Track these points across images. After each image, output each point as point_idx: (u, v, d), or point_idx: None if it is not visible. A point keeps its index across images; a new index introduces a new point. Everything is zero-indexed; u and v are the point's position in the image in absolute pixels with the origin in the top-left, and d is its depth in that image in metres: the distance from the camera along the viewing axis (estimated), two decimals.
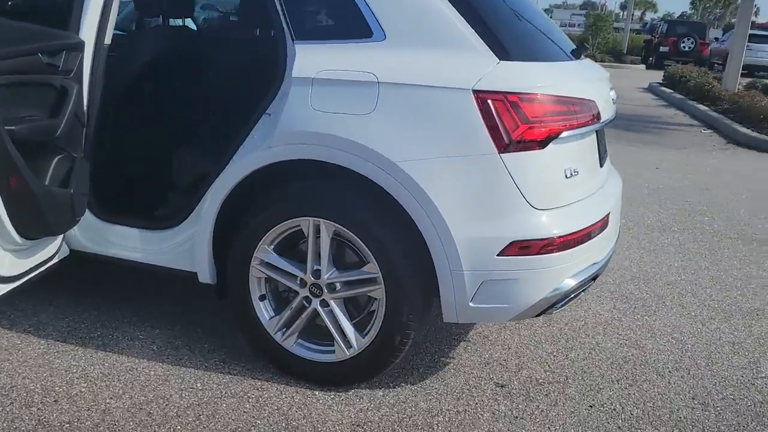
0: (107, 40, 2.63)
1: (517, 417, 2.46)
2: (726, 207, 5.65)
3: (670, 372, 2.85)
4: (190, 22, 4.13)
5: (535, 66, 2.44)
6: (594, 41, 25.15)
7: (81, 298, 3.15)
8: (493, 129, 2.23)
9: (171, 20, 3.78)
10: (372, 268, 2.37)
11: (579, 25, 43.42)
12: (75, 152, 2.56)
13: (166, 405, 2.41)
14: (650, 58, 25.02)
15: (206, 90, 3.39)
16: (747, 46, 12.73)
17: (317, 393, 2.52)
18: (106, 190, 2.84)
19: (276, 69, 2.45)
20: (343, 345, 2.48)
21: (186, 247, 2.64)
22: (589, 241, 2.44)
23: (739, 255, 4.44)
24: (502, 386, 2.65)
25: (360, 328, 2.49)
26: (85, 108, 2.57)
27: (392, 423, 2.38)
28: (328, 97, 2.34)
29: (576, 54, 2.81)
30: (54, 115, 2.42)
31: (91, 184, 2.68)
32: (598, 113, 2.53)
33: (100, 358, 2.69)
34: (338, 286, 2.47)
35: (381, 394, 2.54)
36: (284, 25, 2.44)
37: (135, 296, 3.23)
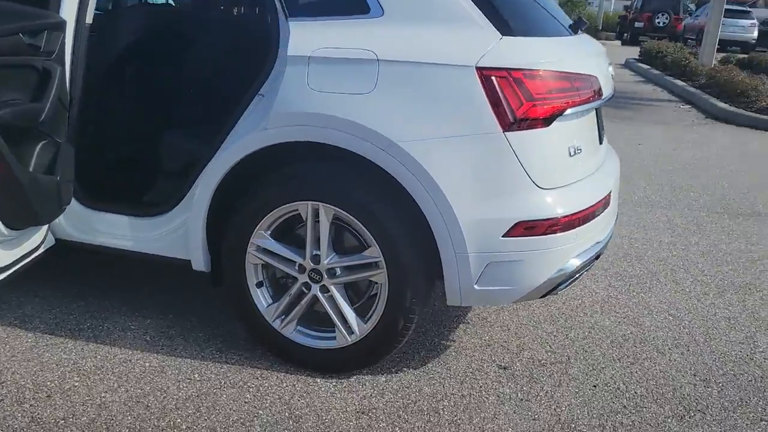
0: (89, 19, 2.52)
1: (522, 399, 2.43)
2: (710, 182, 5.69)
3: (669, 349, 2.85)
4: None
5: (538, 41, 2.38)
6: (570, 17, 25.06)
7: (66, 288, 3.04)
8: (497, 107, 2.16)
9: None
10: (374, 252, 2.31)
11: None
12: (59, 137, 2.45)
13: (164, 397, 2.34)
14: (625, 34, 25.08)
15: (193, 71, 3.27)
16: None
17: (319, 380, 2.46)
18: (91, 177, 2.73)
19: (268, 47, 2.36)
20: (344, 331, 2.43)
21: (179, 234, 2.55)
22: (593, 220, 2.40)
23: (726, 229, 4.46)
24: (504, 368, 2.62)
25: (361, 313, 2.43)
26: (67, 90, 2.45)
27: (397, 409, 2.34)
28: (326, 76, 2.25)
29: (574, 29, 2.76)
30: (37, 99, 2.30)
31: (76, 171, 2.57)
32: (600, 89, 2.49)
33: (92, 350, 2.60)
34: (338, 271, 2.41)
35: (384, 380, 2.49)
36: (276, 1, 2.35)
37: (123, 285, 3.13)
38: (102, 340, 2.67)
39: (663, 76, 12.54)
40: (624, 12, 28.24)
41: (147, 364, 2.52)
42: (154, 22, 3.16)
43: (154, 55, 3.16)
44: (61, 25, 2.41)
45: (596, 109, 2.68)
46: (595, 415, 2.36)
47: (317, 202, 2.33)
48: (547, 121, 2.22)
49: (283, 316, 2.50)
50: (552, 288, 2.35)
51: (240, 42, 3.08)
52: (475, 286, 2.26)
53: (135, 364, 2.52)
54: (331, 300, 2.43)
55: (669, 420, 2.36)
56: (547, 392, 2.48)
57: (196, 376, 2.47)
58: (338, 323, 2.43)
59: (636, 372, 2.65)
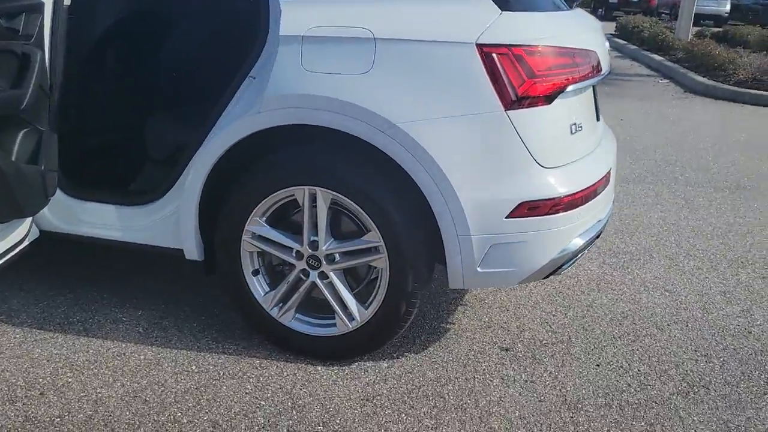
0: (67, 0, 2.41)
1: (527, 381, 2.40)
2: (694, 156, 5.70)
3: (668, 325, 2.84)
4: None
5: (538, 16, 2.32)
6: None
7: (52, 280, 2.95)
8: (498, 85, 2.11)
9: None
10: (374, 237, 2.26)
11: None
12: (41, 125, 2.35)
13: (162, 391, 2.27)
14: (600, 10, 25.08)
15: (180, 52, 3.16)
16: None
17: (320, 369, 2.42)
18: (76, 165, 2.63)
19: (259, 27, 2.27)
20: (344, 317, 2.37)
21: (170, 222, 2.47)
22: (595, 199, 2.37)
23: (714, 203, 4.48)
24: (506, 350, 2.60)
25: (361, 299, 2.38)
26: (47, 75, 2.35)
27: (402, 395, 2.30)
28: (321, 57, 2.18)
29: (569, 3, 2.70)
30: (17, 86, 2.20)
31: (60, 159, 2.47)
32: (599, 64, 2.44)
33: (83, 344, 2.52)
34: (337, 257, 2.35)
35: (386, 365, 2.45)
36: None
37: (111, 274, 3.04)
38: (93, 333, 2.59)
39: (640, 50, 12.57)
40: None
41: (142, 357, 2.45)
42: (136, 1, 3.03)
43: (138, 36, 3.04)
44: (38, 7, 2.29)
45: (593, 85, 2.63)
46: (600, 395, 2.35)
47: (314, 187, 2.26)
48: (549, 98, 2.17)
49: (280, 304, 2.44)
50: (555, 269, 2.32)
51: (229, 21, 2.97)
52: (478, 269, 2.22)
53: (129, 358, 2.45)
54: (331, 286, 2.38)
55: (674, 397, 2.35)
56: (551, 373, 2.46)
57: (193, 367, 2.40)
58: (338, 310, 2.37)
59: (638, 349, 2.64)
